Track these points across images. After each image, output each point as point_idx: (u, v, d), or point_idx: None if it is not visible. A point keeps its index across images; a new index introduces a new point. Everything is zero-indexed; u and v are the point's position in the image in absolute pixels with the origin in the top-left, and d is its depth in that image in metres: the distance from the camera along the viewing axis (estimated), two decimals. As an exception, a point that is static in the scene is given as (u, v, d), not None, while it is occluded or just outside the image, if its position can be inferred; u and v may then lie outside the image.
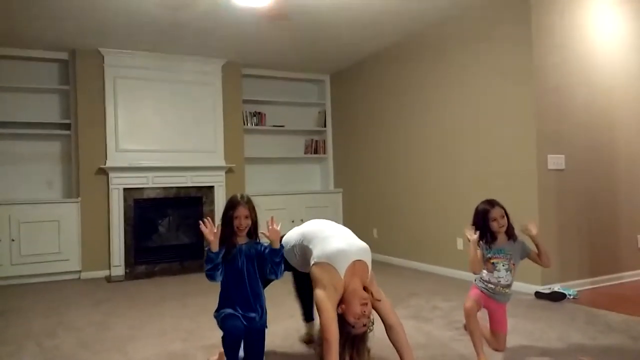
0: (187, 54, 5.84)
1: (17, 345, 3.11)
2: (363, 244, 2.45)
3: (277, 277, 2.46)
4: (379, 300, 2.31)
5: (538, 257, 2.71)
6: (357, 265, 2.33)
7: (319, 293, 2.25)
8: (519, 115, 4.26)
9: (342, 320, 2.25)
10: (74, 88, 5.56)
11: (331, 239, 2.44)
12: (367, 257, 2.41)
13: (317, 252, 2.38)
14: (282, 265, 2.42)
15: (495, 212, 2.69)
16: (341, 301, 2.26)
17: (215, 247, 2.34)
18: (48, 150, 5.69)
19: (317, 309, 2.26)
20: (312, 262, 2.38)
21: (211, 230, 2.34)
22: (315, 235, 2.51)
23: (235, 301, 2.43)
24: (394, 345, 2.39)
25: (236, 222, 2.42)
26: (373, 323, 2.33)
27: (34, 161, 5.60)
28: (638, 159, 4.72)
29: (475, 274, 2.70)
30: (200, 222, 2.37)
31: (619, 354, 2.70)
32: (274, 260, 2.39)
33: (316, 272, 2.32)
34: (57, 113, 5.73)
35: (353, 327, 2.25)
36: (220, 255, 2.36)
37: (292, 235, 2.74)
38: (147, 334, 3.30)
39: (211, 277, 2.38)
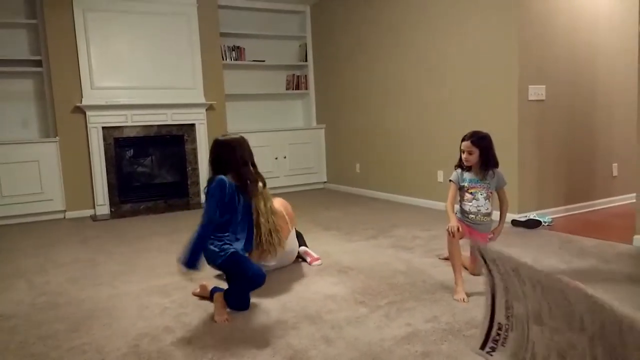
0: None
1: (8, 282, 3.16)
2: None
3: None
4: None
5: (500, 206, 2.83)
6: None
7: None
8: (501, 46, 4.21)
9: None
10: (42, 22, 5.29)
11: None
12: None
13: None
14: None
15: (463, 145, 2.73)
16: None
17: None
18: (20, 89, 5.47)
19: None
20: None
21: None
22: None
23: (237, 235, 2.58)
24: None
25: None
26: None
27: (6, 100, 5.40)
28: (616, 91, 4.76)
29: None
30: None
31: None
32: None
33: None
34: (26, 49, 5.48)
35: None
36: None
37: None
38: (135, 269, 3.37)
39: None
